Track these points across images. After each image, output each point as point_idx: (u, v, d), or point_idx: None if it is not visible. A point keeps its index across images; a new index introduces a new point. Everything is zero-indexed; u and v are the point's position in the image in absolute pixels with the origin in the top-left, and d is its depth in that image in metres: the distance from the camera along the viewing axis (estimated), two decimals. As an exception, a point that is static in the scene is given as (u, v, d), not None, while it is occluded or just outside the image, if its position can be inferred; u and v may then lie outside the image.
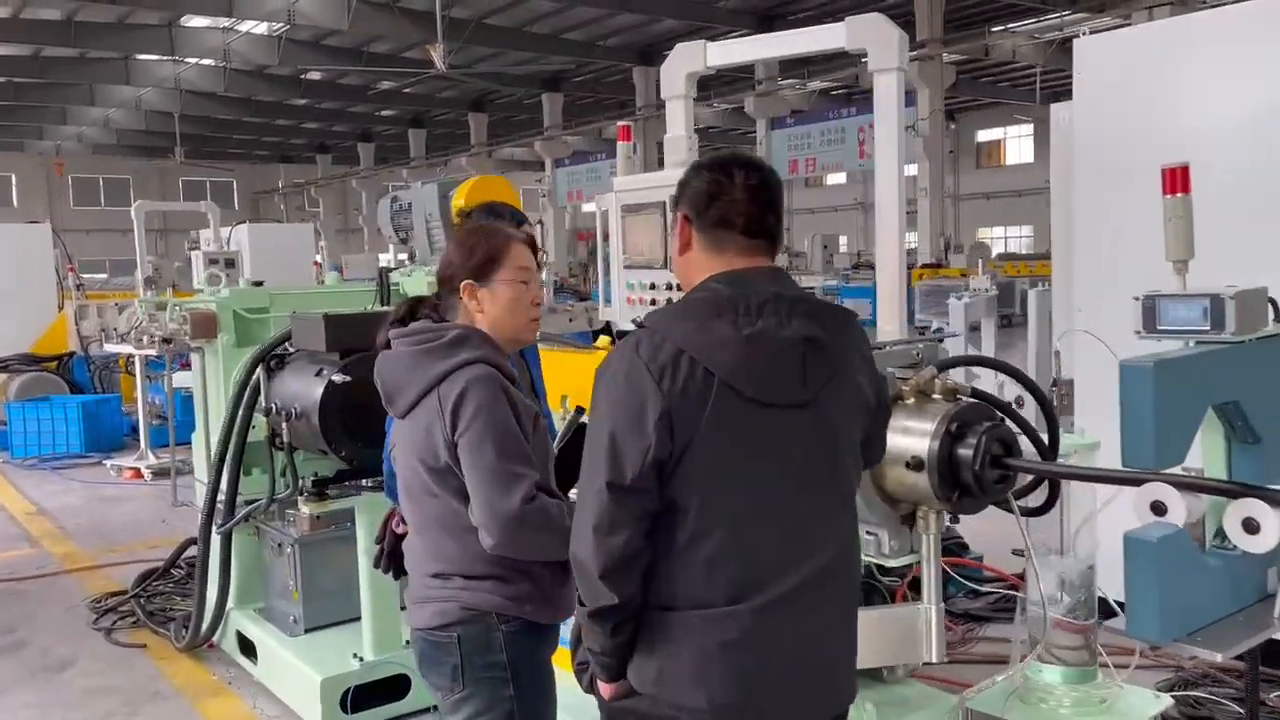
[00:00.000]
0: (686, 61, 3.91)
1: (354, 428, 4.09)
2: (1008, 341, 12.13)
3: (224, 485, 4.73)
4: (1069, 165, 4.81)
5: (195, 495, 5.30)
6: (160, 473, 9.38)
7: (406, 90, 33.33)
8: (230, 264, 10.60)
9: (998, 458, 2.55)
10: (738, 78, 31.37)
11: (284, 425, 4.14)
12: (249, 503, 4.73)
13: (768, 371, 1.89)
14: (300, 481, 4.20)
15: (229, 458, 4.59)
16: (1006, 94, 34.74)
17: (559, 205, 33.51)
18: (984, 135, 38.95)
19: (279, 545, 4.68)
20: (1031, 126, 37.95)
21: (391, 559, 3.26)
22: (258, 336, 4.90)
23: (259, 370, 4.50)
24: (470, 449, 2.27)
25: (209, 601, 4.84)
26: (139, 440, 10.14)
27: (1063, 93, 36.96)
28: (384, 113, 37.18)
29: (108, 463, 10.05)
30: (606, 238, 4.14)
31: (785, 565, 1.92)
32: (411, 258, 5.54)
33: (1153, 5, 21.86)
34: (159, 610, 5.62)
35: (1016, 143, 38.61)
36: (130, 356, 10.51)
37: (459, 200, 4.83)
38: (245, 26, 26.32)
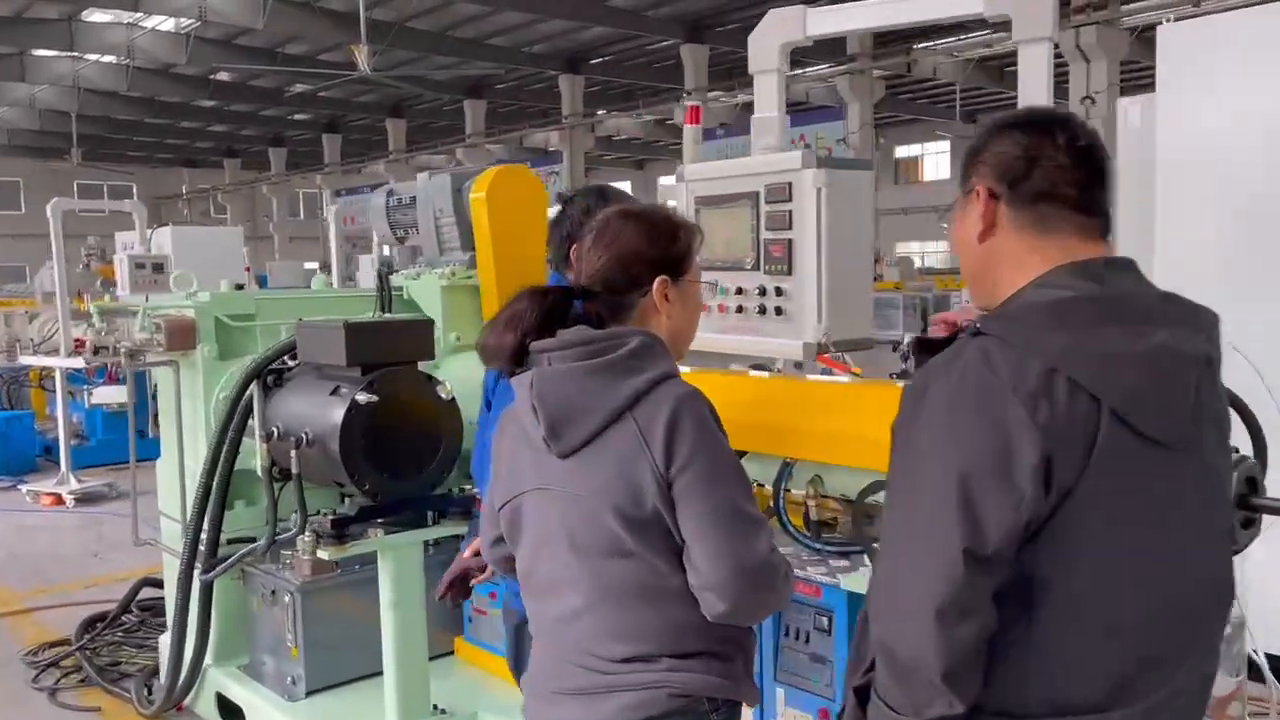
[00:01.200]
0: (782, 30, 3.41)
1: (379, 456, 3.47)
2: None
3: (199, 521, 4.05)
4: (1141, 165, 4.45)
5: (160, 532, 4.58)
6: (85, 499, 8.49)
7: (322, 94, 32.19)
8: (159, 268, 9.76)
9: (1243, 497, 2.12)
10: (663, 89, 31.15)
11: (292, 453, 3.49)
12: (231, 542, 4.07)
13: (1168, 401, 1.40)
14: (311, 519, 3.56)
15: (214, 489, 3.92)
16: (926, 111, 35.16)
17: (481, 214, 32.65)
18: (902, 151, 39.36)
19: (272, 593, 4.01)
20: (949, 143, 38.47)
21: (457, 585, 2.77)
22: (243, 348, 4.23)
23: (253, 388, 3.85)
24: (698, 487, 1.75)
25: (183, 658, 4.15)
26: (54, 462, 9.20)
27: (980, 111, 37.66)
28: (297, 117, 35.86)
29: (22, 488, 9.07)
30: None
31: (1175, 659, 1.45)
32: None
33: (1078, 25, 22.19)
34: (110, 665, 4.88)
35: (934, 159, 39.10)
36: (44, 370, 9.57)
37: (480, 192, 4.24)
38: (151, 23, 24.99)
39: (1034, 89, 3.02)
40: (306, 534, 3.51)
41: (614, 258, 2.00)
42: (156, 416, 4.55)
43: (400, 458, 3.53)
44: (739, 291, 3.33)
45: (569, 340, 1.88)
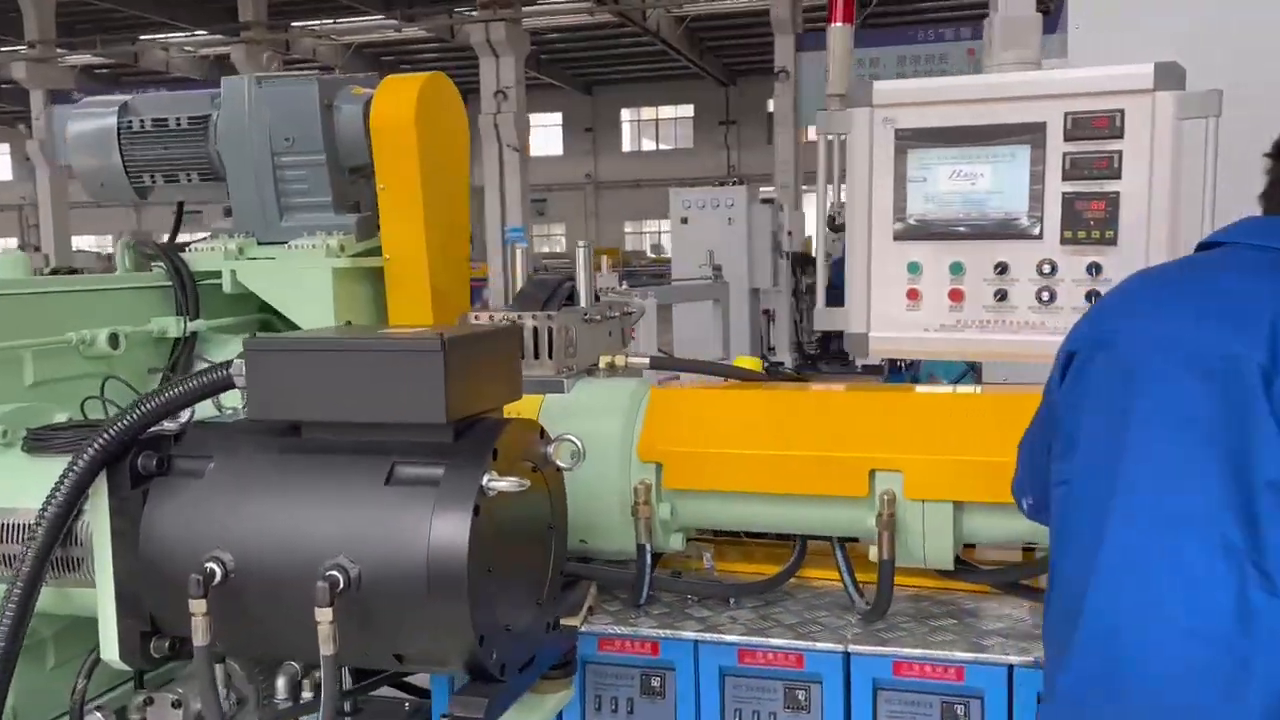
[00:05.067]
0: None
1: (497, 595, 1.80)
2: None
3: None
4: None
5: None
6: None
7: None
8: None
9: None
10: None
11: (324, 615, 1.65)
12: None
13: None
14: None
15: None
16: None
17: None
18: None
19: None
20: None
21: None
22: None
23: (97, 486, 1.81)
24: None
25: None
26: None
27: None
28: None
29: None
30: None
31: None
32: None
33: (486, 21, 22.56)
34: None
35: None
36: None
37: (402, 109, 2.55)
38: None
39: None
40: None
41: None
42: None
43: (517, 590, 1.88)
44: (1001, 271, 2.32)
45: None
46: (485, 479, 1.71)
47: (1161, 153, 2.18)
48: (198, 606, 1.72)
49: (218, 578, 1.74)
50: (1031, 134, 2.25)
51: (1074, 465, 1.49)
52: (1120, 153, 2.20)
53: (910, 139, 2.33)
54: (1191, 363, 1.40)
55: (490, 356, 1.90)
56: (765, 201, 11.77)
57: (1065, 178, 2.24)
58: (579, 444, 1.97)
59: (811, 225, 20.00)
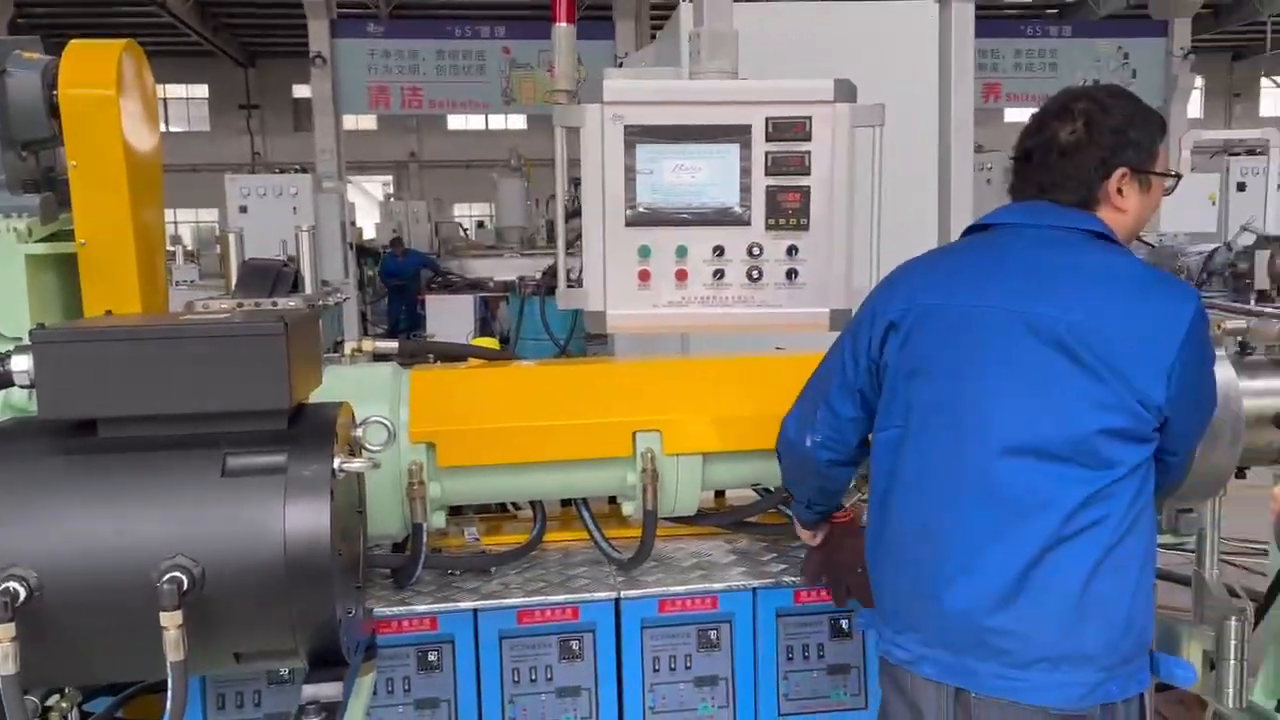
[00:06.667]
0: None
1: (341, 581, 1.77)
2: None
3: None
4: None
5: None
6: None
7: None
8: None
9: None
10: None
11: (168, 621, 1.52)
12: None
13: None
14: None
15: None
16: None
17: None
18: None
19: None
20: None
21: None
22: None
23: None
24: None
25: None
26: None
27: None
28: None
29: None
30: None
31: None
32: None
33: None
34: None
35: None
36: None
37: (99, 85, 2.33)
38: None
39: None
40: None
41: None
42: None
43: (347, 575, 1.84)
44: (719, 253, 2.66)
45: None
46: (337, 461, 1.68)
47: (840, 153, 2.59)
48: (4, 632, 1.51)
49: (21, 598, 1.54)
50: (740, 135, 2.57)
51: (911, 411, 1.85)
52: (810, 152, 2.59)
53: (638, 135, 2.55)
54: (1022, 323, 1.75)
55: (307, 341, 1.84)
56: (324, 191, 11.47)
57: (768, 173, 2.58)
58: (389, 425, 1.97)
59: (363, 214, 19.64)
